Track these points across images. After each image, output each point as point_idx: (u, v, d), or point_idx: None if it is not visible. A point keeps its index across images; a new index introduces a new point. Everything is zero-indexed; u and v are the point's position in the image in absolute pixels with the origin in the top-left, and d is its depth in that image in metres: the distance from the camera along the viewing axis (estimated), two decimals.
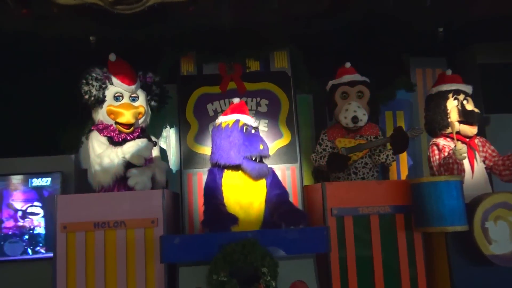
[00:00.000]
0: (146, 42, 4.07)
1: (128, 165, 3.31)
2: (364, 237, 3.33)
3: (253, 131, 3.43)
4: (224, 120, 3.44)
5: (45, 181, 3.62)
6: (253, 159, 3.29)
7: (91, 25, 3.73)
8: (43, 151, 3.93)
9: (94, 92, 3.45)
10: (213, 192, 3.21)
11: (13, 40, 3.87)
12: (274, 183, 3.36)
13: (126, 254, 3.09)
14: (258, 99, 4.04)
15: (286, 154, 3.98)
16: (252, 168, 3.25)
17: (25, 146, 4.12)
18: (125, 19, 3.71)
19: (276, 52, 4.16)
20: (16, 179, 3.63)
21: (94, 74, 3.49)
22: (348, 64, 3.91)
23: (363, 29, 4.11)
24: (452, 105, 3.74)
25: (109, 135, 3.47)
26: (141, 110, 3.56)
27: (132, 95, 3.58)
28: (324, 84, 4.07)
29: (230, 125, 3.42)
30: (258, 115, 3.97)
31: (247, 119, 3.44)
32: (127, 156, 3.26)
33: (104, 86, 3.50)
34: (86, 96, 3.45)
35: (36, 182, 3.60)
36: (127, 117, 3.46)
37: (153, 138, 3.66)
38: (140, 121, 3.58)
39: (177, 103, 4.10)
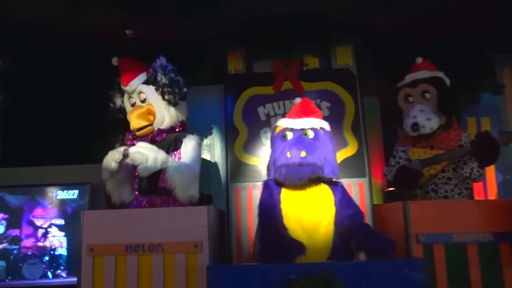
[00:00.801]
0: (188, 36, 3.57)
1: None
2: (459, 271, 2.62)
3: (308, 135, 2.80)
4: (280, 124, 2.87)
5: (71, 194, 3.11)
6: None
7: (127, 18, 3.27)
8: (72, 160, 3.45)
9: (115, 100, 3.18)
10: (270, 211, 2.61)
11: (46, 39, 3.47)
12: (345, 201, 2.71)
13: (164, 284, 2.52)
14: (318, 101, 3.43)
15: (352, 167, 3.33)
16: (281, 174, 2.67)
17: (53, 155, 3.65)
18: (165, 9, 3.26)
19: (338, 47, 3.55)
20: (39, 192, 3.13)
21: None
22: (419, 60, 3.24)
23: (440, 21, 3.47)
24: None
25: (129, 143, 3.06)
26: (148, 109, 3.02)
27: (140, 95, 3.06)
28: (393, 86, 3.41)
29: (276, 133, 2.89)
30: None
31: (305, 122, 2.82)
32: (130, 150, 2.73)
33: (120, 92, 3.13)
34: (112, 105, 3.14)
35: (61, 195, 3.10)
36: (132, 123, 3.01)
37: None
38: (158, 122, 3.04)
39: (223, 106, 3.54)
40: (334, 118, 3.38)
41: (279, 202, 2.68)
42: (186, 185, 2.80)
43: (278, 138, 2.80)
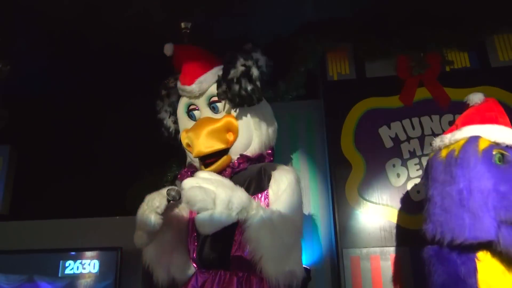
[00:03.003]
0: (263, 29, 2.46)
1: None
2: None
3: None
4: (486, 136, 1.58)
5: (89, 266, 1.89)
6: None
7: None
8: (95, 212, 2.27)
9: (163, 118, 1.97)
10: None
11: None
12: None
13: None
14: None
15: None
16: None
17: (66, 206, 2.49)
18: None
19: (497, 36, 2.33)
20: (37, 265, 1.92)
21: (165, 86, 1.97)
22: None
23: None
24: None
25: None
26: (228, 121, 1.80)
27: (210, 101, 1.84)
28: None
29: (457, 152, 1.54)
30: None
31: (505, 134, 1.54)
32: (184, 185, 1.43)
33: (173, 101, 1.93)
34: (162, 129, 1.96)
35: (72, 267, 1.89)
36: (196, 146, 1.75)
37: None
38: (236, 146, 1.80)
39: (322, 128, 2.35)
40: None
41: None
42: (282, 254, 1.52)
43: (489, 160, 1.49)
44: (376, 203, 2.13)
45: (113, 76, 2.41)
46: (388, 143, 2.22)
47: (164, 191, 1.64)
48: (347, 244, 2.08)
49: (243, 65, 1.77)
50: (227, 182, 1.51)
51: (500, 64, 2.29)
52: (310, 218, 2.32)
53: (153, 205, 1.58)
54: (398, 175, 2.15)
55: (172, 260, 1.79)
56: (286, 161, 2.38)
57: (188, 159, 1.88)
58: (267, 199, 1.70)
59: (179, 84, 1.88)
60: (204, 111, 1.84)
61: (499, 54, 2.31)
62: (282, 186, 1.68)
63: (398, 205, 2.09)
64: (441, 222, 1.50)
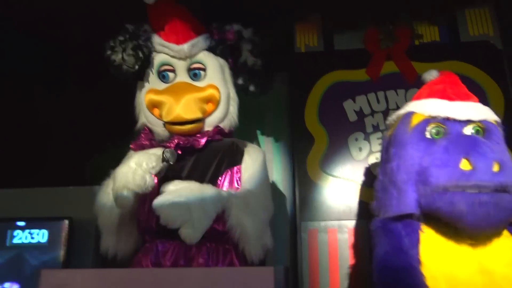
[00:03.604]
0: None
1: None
2: None
3: (477, 133, 1.47)
4: (419, 111, 1.54)
5: (37, 236, 1.87)
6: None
7: None
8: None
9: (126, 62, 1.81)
10: (403, 282, 1.28)
11: None
12: None
13: None
14: None
15: None
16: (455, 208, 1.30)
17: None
18: None
19: (469, 10, 2.28)
20: None
21: (124, 35, 1.85)
22: None
23: None
24: None
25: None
26: (212, 94, 1.80)
27: (192, 66, 1.83)
28: None
29: (411, 127, 1.51)
30: None
31: (463, 110, 1.51)
32: (156, 203, 1.48)
33: (142, 53, 1.82)
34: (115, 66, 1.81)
35: (20, 237, 1.87)
36: (177, 109, 1.72)
37: None
38: (213, 117, 1.81)
39: (288, 101, 2.31)
40: None
41: (418, 261, 1.35)
42: (260, 231, 1.69)
43: (420, 135, 1.47)
44: (337, 177, 2.10)
45: (69, 42, 2.34)
46: (352, 117, 2.18)
47: (155, 151, 1.65)
48: (306, 217, 2.06)
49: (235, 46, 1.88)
50: (193, 186, 1.59)
51: (470, 39, 2.24)
52: (273, 192, 2.30)
53: (148, 165, 1.56)
54: (360, 149, 2.12)
55: (127, 229, 1.78)
56: (252, 134, 2.37)
57: (143, 120, 1.85)
58: (239, 173, 1.79)
59: (159, 39, 1.85)
60: (181, 75, 1.86)
61: (469, 29, 2.25)
62: (254, 165, 1.81)
63: (358, 179, 2.07)
64: (380, 198, 1.52)
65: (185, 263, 1.63)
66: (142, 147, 1.78)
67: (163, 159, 1.61)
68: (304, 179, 2.11)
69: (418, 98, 1.61)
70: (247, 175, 1.77)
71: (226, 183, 1.76)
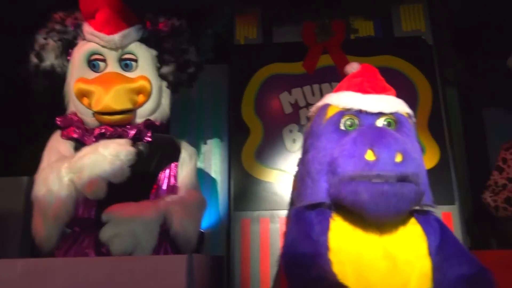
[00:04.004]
0: None
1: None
2: None
3: (389, 125, 1.52)
4: (335, 103, 1.58)
5: None
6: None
7: None
8: None
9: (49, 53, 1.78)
10: (310, 265, 1.31)
11: None
12: (454, 247, 1.43)
13: None
14: None
15: (432, 187, 2.04)
16: (358, 197, 1.34)
17: None
18: None
19: (403, 6, 2.34)
20: None
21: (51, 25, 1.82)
22: None
23: None
24: None
25: (77, 136, 1.73)
26: (143, 85, 1.79)
27: (124, 57, 1.82)
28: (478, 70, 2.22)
29: (326, 119, 1.56)
30: None
31: (375, 102, 1.55)
32: (77, 176, 1.50)
33: (68, 40, 1.80)
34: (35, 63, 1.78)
35: None
36: (106, 99, 1.70)
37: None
38: (144, 108, 1.80)
39: (227, 92, 2.32)
40: None
41: (326, 248, 1.39)
42: (197, 230, 1.76)
43: (333, 127, 1.51)
44: (270, 168, 2.14)
45: None
46: (288, 109, 2.21)
47: (122, 142, 1.65)
48: (240, 208, 2.09)
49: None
50: (131, 208, 1.56)
51: (403, 34, 2.30)
52: (211, 183, 2.33)
53: (126, 157, 1.58)
54: (294, 141, 2.16)
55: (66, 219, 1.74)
56: (193, 126, 2.38)
57: (73, 109, 1.82)
58: (175, 169, 1.82)
59: (89, 28, 1.82)
60: (111, 65, 1.82)
61: (402, 24, 2.32)
62: (190, 163, 1.86)
63: (291, 170, 2.11)
64: (298, 187, 1.57)
65: None
66: (73, 137, 1.77)
67: (138, 153, 1.63)
68: (238, 170, 2.14)
69: (337, 90, 1.65)
70: (184, 174, 1.81)
71: (165, 180, 1.78)
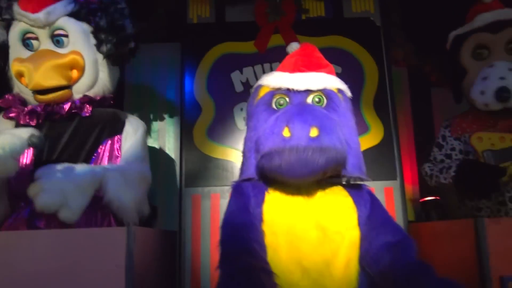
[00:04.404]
0: None
1: None
2: None
3: (319, 102, 1.58)
4: (266, 84, 1.64)
5: None
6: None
7: None
8: None
9: None
10: (242, 236, 1.39)
11: None
12: (379, 219, 1.51)
13: None
14: None
15: (376, 164, 2.15)
16: (273, 165, 1.40)
17: None
18: None
19: None
20: None
21: None
22: None
23: None
24: None
25: (14, 115, 1.75)
26: (73, 59, 1.78)
27: (55, 33, 1.79)
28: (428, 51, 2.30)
29: (257, 99, 1.63)
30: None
31: (313, 80, 1.60)
32: (30, 192, 1.47)
33: (8, 20, 1.79)
34: None
35: None
36: (36, 77, 1.70)
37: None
38: (80, 84, 1.80)
39: (179, 71, 2.34)
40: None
41: (260, 219, 1.47)
42: (137, 203, 1.72)
43: (264, 107, 1.59)
44: (221, 145, 2.19)
45: None
46: (239, 88, 2.26)
47: (19, 133, 1.61)
48: (191, 184, 2.14)
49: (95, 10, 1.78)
50: (62, 168, 1.54)
51: (352, 15, 2.36)
52: (165, 159, 2.37)
53: (11, 150, 1.50)
54: (245, 118, 2.22)
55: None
56: (147, 104, 2.40)
57: (16, 89, 1.83)
58: (119, 143, 1.83)
59: (17, 8, 1.80)
60: (44, 42, 1.80)
61: (352, 5, 2.37)
62: (137, 137, 1.85)
63: (241, 146, 2.16)
64: (241, 163, 1.64)
65: (61, 226, 1.66)
66: (12, 117, 1.77)
67: (29, 144, 1.55)
68: (190, 147, 2.19)
69: (277, 70, 1.70)
70: (128, 146, 1.81)
71: (106, 152, 1.79)
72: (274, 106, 1.56)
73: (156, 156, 2.34)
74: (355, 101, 2.20)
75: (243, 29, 2.32)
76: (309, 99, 1.56)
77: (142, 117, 2.34)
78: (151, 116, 2.41)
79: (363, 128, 2.19)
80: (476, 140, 1.92)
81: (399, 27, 2.46)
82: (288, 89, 1.56)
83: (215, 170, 2.16)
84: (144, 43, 2.36)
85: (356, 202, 1.54)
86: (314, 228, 1.46)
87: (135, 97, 2.39)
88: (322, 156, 1.31)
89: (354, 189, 1.58)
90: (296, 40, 2.28)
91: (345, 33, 2.31)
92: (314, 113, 1.42)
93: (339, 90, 1.61)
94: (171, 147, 2.38)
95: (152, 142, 2.37)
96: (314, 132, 1.36)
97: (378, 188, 2.11)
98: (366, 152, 2.15)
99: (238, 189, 1.55)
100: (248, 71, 2.27)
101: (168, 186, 2.32)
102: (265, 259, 1.34)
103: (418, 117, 2.62)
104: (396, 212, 2.09)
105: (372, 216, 1.52)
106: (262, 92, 1.60)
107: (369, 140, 2.18)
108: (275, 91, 1.57)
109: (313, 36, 2.29)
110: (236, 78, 2.26)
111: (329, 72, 1.64)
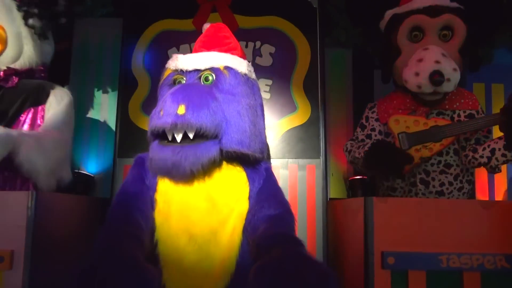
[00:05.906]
0: None
1: None
2: None
3: (207, 80, 1.66)
4: (169, 66, 1.75)
5: None
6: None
7: None
8: None
9: None
10: (125, 206, 1.50)
11: None
12: (266, 193, 1.62)
13: None
14: (258, 43, 2.33)
15: (301, 142, 2.24)
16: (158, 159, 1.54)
17: None
18: None
19: None
20: None
21: None
22: None
23: None
24: None
25: None
26: None
27: None
28: (371, 34, 2.34)
29: (161, 81, 1.77)
30: (257, 70, 2.02)
31: (203, 60, 1.68)
32: None
33: None
34: None
35: None
36: None
37: None
38: (4, 56, 1.89)
39: (119, 47, 2.42)
40: (279, 69, 2.32)
41: (155, 190, 1.58)
42: (53, 168, 1.82)
43: (166, 88, 1.70)
44: None
45: None
46: None
47: None
48: (124, 155, 2.25)
49: None
50: None
51: None
52: (104, 132, 2.48)
53: None
54: None
55: None
56: (91, 78, 2.50)
57: None
58: (42, 112, 1.93)
59: None
60: None
61: None
62: (61, 106, 1.94)
63: None
64: None
65: None
66: None
67: None
68: (125, 120, 2.29)
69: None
70: (49, 115, 1.92)
71: (28, 121, 1.90)
72: (173, 86, 1.65)
73: (96, 127, 2.45)
74: (286, 81, 2.30)
75: (182, 7, 2.38)
76: (202, 78, 1.64)
77: (87, 91, 2.46)
78: (96, 90, 2.50)
79: (291, 108, 2.27)
80: (393, 122, 2.00)
81: (341, 9, 2.49)
82: (183, 70, 1.64)
83: (147, 142, 2.26)
84: (91, 18, 2.47)
85: (249, 177, 1.64)
86: (204, 200, 1.58)
87: (80, 71, 2.48)
88: (187, 161, 1.44)
89: (251, 165, 1.67)
90: (233, 19, 2.36)
91: (281, 14, 2.36)
92: (186, 91, 1.50)
93: (226, 67, 1.66)
94: (111, 120, 2.48)
95: (95, 114, 2.48)
96: (181, 110, 1.45)
97: (301, 165, 2.21)
98: (292, 130, 2.24)
99: (139, 161, 1.67)
100: (184, 48, 2.34)
101: (107, 156, 2.43)
102: (141, 228, 1.45)
103: (360, 97, 2.68)
104: (316, 189, 2.19)
105: (261, 191, 1.62)
106: (165, 74, 1.70)
107: (296, 119, 2.26)
108: (174, 73, 1.66)
109: (250, 16, 2.35)
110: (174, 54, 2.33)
111: (227, 50, 1.72)
